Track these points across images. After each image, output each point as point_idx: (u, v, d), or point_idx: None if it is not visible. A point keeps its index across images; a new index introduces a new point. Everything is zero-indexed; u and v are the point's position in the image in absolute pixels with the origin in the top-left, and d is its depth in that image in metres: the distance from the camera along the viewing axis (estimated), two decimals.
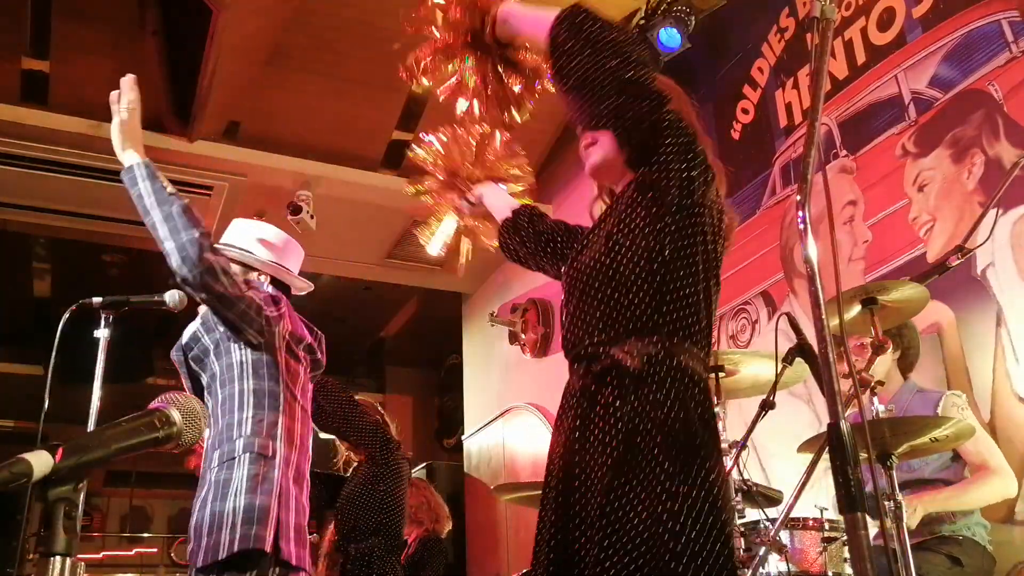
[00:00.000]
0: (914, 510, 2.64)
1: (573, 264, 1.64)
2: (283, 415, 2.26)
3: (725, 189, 1.68)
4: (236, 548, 2.05)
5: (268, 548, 2.08)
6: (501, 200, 2.02)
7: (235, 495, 2.13)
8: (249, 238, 2.56)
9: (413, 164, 2.10)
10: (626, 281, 1.52)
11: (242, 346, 2.28)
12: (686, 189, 1.53)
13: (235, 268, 2.38)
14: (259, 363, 2.29)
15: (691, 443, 1.42)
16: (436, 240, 2.10)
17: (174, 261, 2.10)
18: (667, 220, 1.53)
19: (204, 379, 2.36)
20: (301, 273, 2.67)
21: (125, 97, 2.24)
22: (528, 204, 2.03)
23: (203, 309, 2.33)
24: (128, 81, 2.25)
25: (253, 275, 2.52)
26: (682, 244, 1.52)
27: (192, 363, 2.38)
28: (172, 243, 2.09)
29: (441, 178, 2.07)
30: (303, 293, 2.70)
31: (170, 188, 2.15)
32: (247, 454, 2.18)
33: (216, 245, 2.35)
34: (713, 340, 1.59)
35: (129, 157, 2.19)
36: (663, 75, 1.65)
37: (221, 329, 2.28)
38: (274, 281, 2.56)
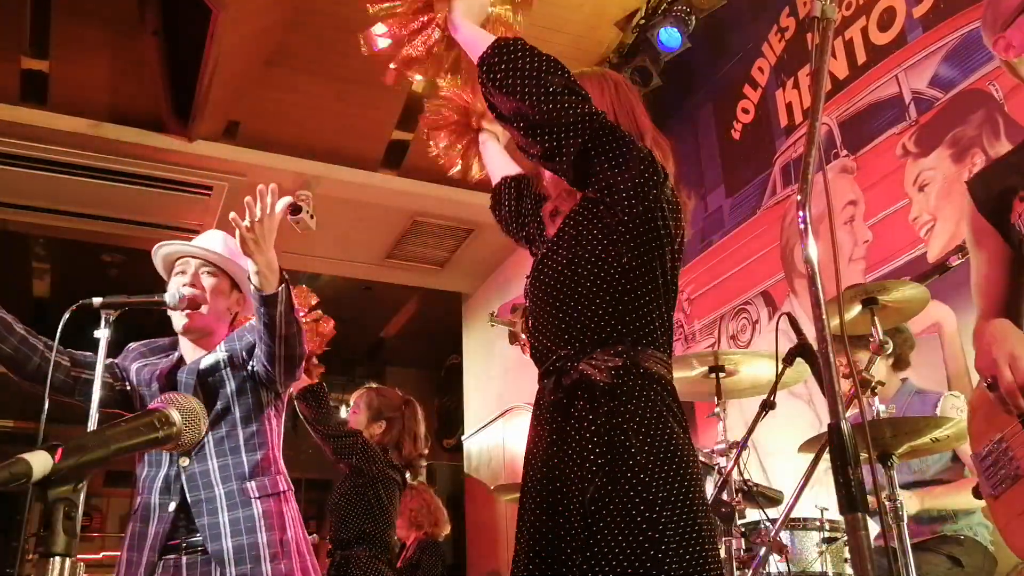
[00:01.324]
0: (912, 498, 2.65)
1: (536, 275, 1.64)
2: (279, 451, 2.36)
3: (672, 166, 1.66)
4: None
5: None
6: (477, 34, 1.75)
7: (264, 530, 2.24)
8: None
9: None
10: (587, 293, 1.52)
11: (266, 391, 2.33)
12: (635, 197, 1.52)
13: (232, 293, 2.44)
14: (273, 401, 2.36)
15: (670, 449, 1.43)
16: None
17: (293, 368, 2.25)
18: (620, 230, 1.52)
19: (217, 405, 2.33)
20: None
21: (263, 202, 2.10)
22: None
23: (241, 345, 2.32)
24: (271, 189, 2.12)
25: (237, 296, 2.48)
26: (639, 252, 1.53)
27: (212, 382, 2.33)
28: (296, 348, 2.20)
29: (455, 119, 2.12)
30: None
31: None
32: (271, 498, 2.28)
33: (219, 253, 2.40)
34: (674, 340, 1.61)
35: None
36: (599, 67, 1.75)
37: (251, 368, 2.29)
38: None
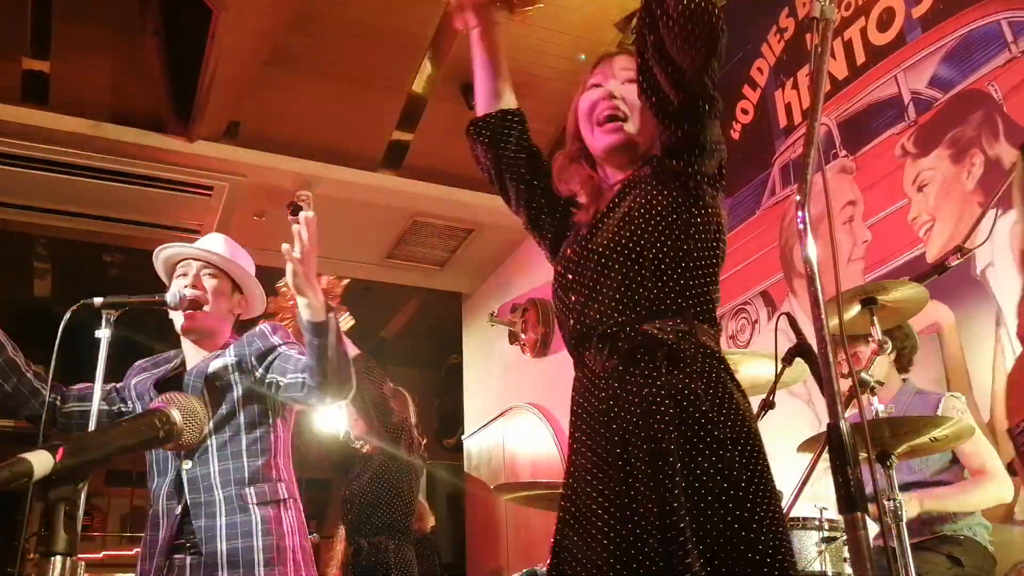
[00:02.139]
0: (912, 501, 2.65)
1: (586, 246, 1.60)
2: (284, 458, 2.36)
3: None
4: None
5: None
6: None
7: (263, 534, 2.22)
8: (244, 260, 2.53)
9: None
10: (649, 265, 1.51)
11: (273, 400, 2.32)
12: (713, 186, 1.57)
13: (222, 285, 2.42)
14: (275, 414, 2.36)
15: (738, 412, 1.43)
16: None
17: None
18: (693, 211, 1.55)
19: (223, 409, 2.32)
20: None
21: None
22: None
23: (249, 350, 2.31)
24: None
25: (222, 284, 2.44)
26: (706, 235, 1.55)
27: (220, 386, 2.32)
28: (339, 387, 2.19)
29: None
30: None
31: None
32: (269, 507, 2.27)
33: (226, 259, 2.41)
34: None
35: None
36: None
37: (259, 375, 2.28)
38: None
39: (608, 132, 1.67)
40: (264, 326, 2.36)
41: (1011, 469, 1.75)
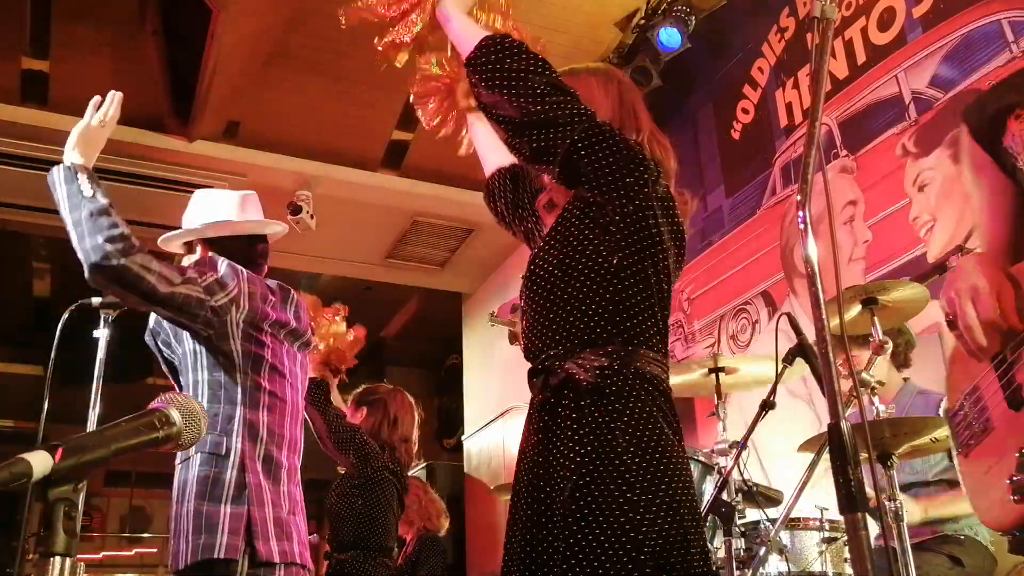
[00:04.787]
0: (915, 508, 2.65)
1: (528, 274, 1.62)
2: (241, 407, 2.17)
3: (673, 163, 1.66)
4: (190, 560, 2.03)
5: (232, 554, 2.03)
6: (467, 28, 1.73)
7: (187, 500, 2.10)
8: (196, 210, 2.51)
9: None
10: (577, 294, 1.51)
11: (190, 335, 2.24)
12: (625, 197, 1.51)
13: (181, 254, 2.40)
14: (211, 352, 2.22)
15: (658, 450, 1.41)
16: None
17: (85, 270, 2.06)
18: (611, 230, 1.51)
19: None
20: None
21: (106, 109, 2.20)
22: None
23: None
24: (117, 97, 2.21)
25: (193, 254, 2.45)
26: (630, 252, 1.51)
27: (163, 347, 2.35)
28: (80, 252, 2.05)
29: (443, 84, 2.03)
30: (276, 235, 2.57)
31: (88, 191, 2.08)
32: (198, 454, 2.13)
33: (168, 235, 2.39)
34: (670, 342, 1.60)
35: (69, 158, 2.14)
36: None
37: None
38: (235, 242, 2.44)
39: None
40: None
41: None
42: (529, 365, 1.60)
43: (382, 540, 3.51)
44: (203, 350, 2.22)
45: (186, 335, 2.24)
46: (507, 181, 1.93)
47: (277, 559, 2.09)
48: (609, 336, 1.48)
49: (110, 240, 2.04)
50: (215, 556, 2.02)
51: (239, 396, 2.18)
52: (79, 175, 2.10)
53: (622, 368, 1.46)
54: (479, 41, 1.59)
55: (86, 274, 2.05)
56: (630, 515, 1.35)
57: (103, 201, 2.08)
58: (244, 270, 2.31)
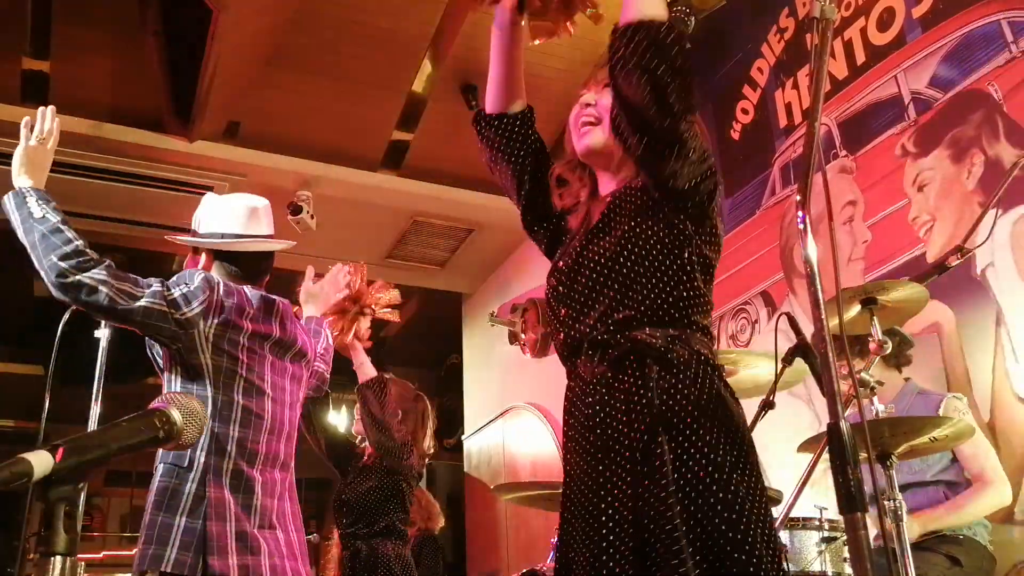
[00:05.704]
0: (913, 525, 2.65)
1: (577, 259, 1.61)
2: (210, 420, 2.17)
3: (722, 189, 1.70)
4: (144, 568, 2.05)
5: (179, 569, 2.03)
6: None
7: (148, 510, 2.13)
8: (207, 215, 2.49)
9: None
10: (640, 279, 1.51)
11: (161, 347, 2.27)
12: (703, 198, 1.56)
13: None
14: (181, 365, 2.24)
15: (731, 418, 1.43)
16: None
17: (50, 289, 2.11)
18: (685, 225, 1.54)
19: None
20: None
21: (40, 126, 2.22)
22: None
23: None
24: (49, 111, 2.23)
25: (199, 256, 2.47)
26: (698, 247, 1.55)
27: (155, 354, 2.41)
28: (41, 272, 2.11)
29: None
30: (282, 249, 2.53)
31: (37, 212, 2.11)
32: (161, 464, 2.17)
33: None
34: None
35: (17, 182, 2.18)
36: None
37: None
38: (241, 255, 2.43)
39: (580, 137, 1.70)
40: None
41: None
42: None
43: (406, 528, 3.64)
44: (174, 362, 2.26)
45: (158, 346, 2.29)
46: (528, 129, 1.80)
47: (233, 574, 2.08)
48: (670, 320, 1.50)
49: (63, 257, 2.09)
50: (163, 569, 2.03)
51: (208, 409, 2.19)
52: (27, 198, 2.15)
53: (685, 343, 1.48)
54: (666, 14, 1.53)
55: (54, 293, 2.12)
56: (716, 476, 1.36)
57: (53, 219, 2.12)
58: (221, 282, 2.31)
